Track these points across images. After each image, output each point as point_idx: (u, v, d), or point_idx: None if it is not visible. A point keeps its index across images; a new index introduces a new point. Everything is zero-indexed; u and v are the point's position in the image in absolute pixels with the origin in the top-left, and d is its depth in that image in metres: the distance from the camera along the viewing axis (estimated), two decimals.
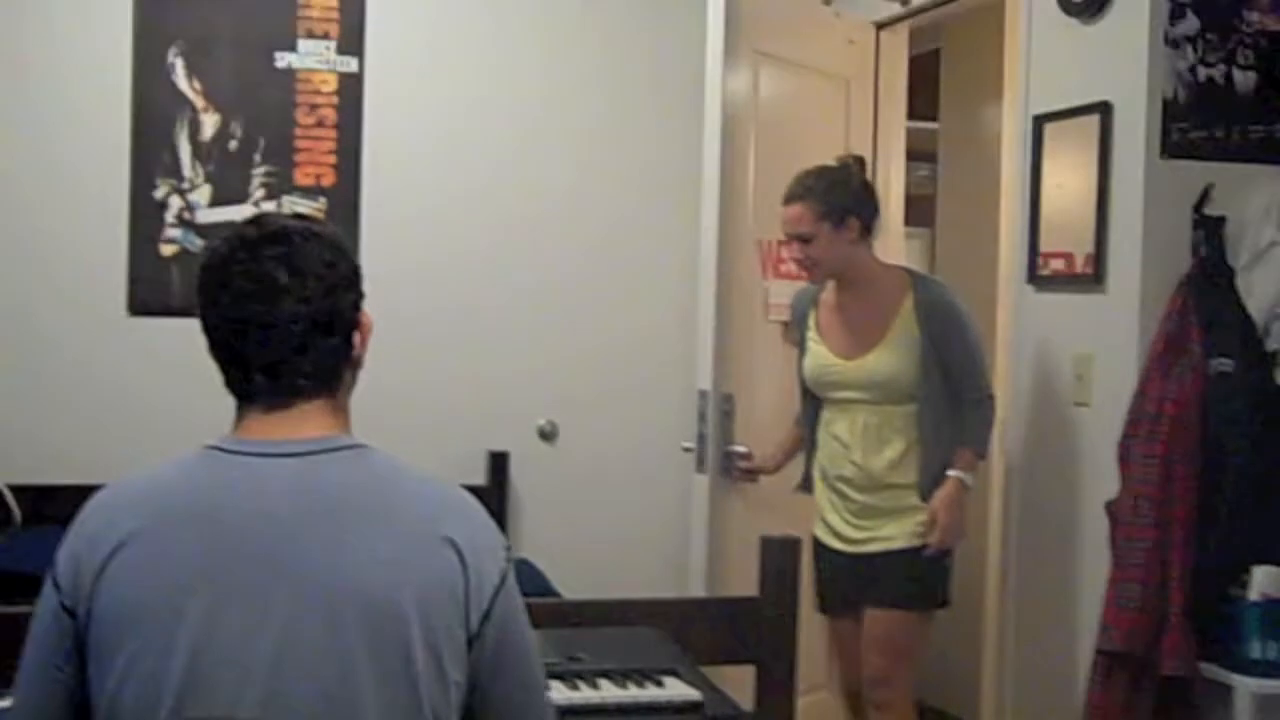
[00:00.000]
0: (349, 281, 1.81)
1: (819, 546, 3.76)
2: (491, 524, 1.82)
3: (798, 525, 3.38)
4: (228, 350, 1.77)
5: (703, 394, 3.99)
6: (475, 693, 1.76)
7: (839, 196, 3.72)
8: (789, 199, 3.73)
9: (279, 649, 1.64)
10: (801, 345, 3.87)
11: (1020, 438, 3.91)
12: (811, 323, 3.84)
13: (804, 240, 3.70)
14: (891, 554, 3.61)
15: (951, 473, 3.59)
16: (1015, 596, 3.92)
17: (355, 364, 1.85)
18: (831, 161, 3.98)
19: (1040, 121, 3.82)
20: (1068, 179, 3.70)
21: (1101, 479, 3.43)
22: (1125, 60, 3.52)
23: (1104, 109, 3.57)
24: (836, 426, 3.76)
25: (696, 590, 3.79)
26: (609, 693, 2.39)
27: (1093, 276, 3.59)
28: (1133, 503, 3.28)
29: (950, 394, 3.67)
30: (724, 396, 4.01)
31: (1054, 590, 3.72)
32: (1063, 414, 3.72)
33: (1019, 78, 3.99)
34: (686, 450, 4.10)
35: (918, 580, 3.59)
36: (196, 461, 1.76)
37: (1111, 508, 3.38)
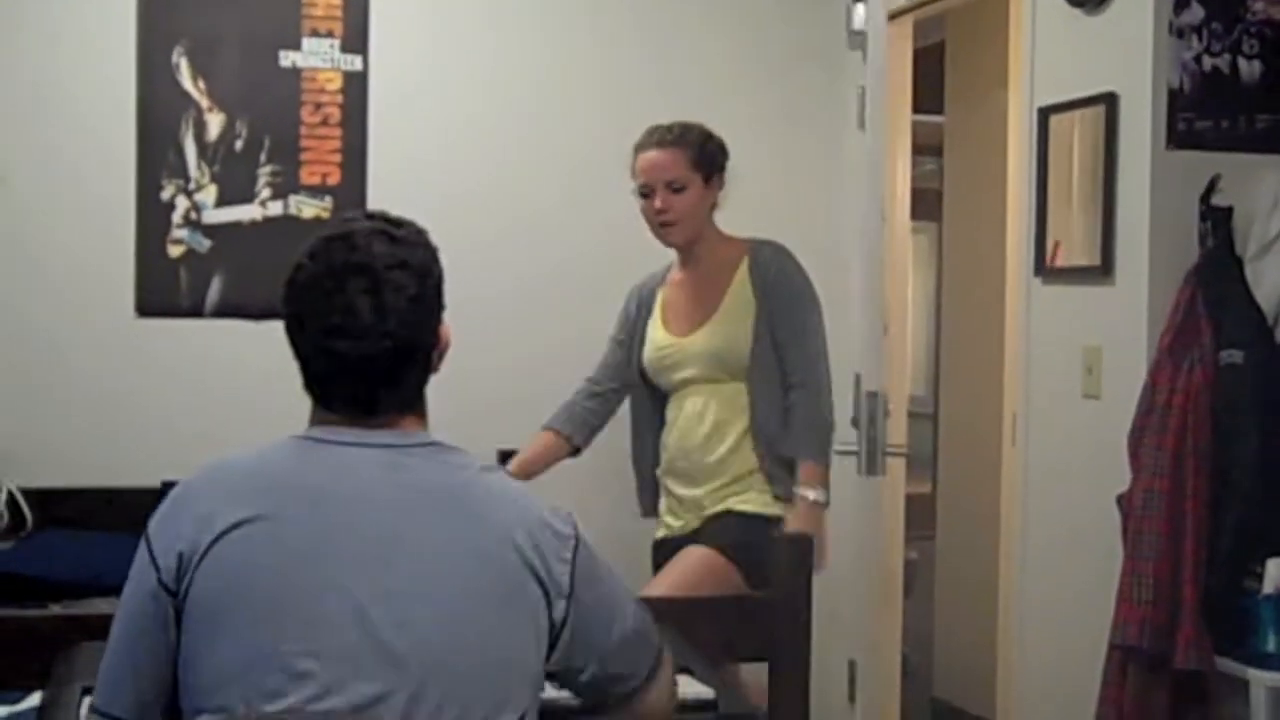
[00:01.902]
0: (432, 307, 1.90)
1: (660, 545, 3.65)
2: (553, 514, 1.90)
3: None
4: (311, 372, 1.87)
5: (871, 395, 3.84)
6: (582, 653, 1.88)
7: (713, 151, 3.58)
8: (659, 143, 3.54)
9: (386, 622, 1.72)
10: (641, 337, 3.71)
11: (1030, 431, 3.90)
12: (657, 309, 3.69)
13: (675, 190, 3.52)
14: (736, 513, 3.46)
15: (804, 492, 3.41)
16: (1028, 591, 3.91)
17: (437, 369, 1.96)
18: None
19: (1046, 113, 3.82)
20: (1074, 171, 3.70)
21: (1112, 472, 3.42)
22: (1130, 51, 3.52)
23: (1109, 100, 3.56)
24: (677, 414, 3.61)
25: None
26: None
27: (1100, 268, 3.58)
28: (1144, 495, 3.27)
29: (782, 374, 3.50)
30: (869, 395, 3.86)
31: (1067, 584, 3.72)
32: (1072, 407, 3.71)
33: (1024, 70, 3.99)
34: (844, 454, 3.96)
35: (752, 545, 3.34)
36: (293, 447, 1.86)
37: (1123, 500, 3.37)
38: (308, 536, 1.76)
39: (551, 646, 1.85)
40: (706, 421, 3.53)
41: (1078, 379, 3.69)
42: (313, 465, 1.83)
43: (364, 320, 1.81)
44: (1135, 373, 3.41)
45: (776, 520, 3.42)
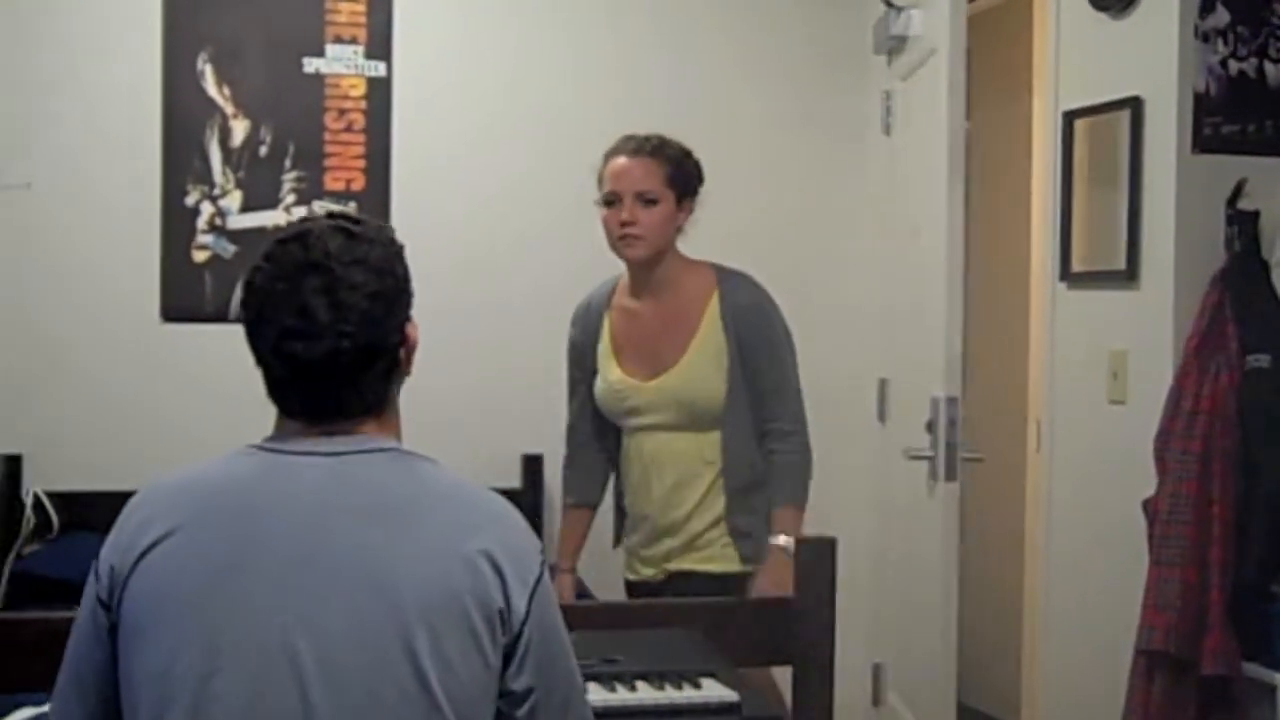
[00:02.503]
0: (394, 304, 1.80)
1: (632, 588, 3.44)
2: (525, 529, 1.82)
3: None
4: (269, 375, 1.79)
5: (951, 401, 3.84)
6: (515, 696, 1.76)
7: (690, 169, 3.32)
8: (635, 151, 3.26)
9: (303, 637, 1.65)
10: (591, 369, 3.41)
11: (1056, 436, 3.88)
12: (605, 336, 3.38)
13: (645, 202, 3.22)
14: (703, 575, 3.24)
15: (776, 541, 3.15)
16: (1054, 597, 3.90)
17: (402, 377, 1.86)
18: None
19: (1071, 117, 3.81)
20: (1100, 175, 3.68)
21: (1138, 477, 3.40)
22: (1156, 55, 3.50)
23: (1135, 104, 3.55)
24: (635, 459, 3.35)
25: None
26: (646, 694, 2.38)
27: (1126, 273, 3.56)
28: (1170, 500, 3.26)
29: (756, 421, 3.25)
30: (949, 400, 3.86)
31: (1093, 590, 3.70)
32: (1098, 412, 3.69)
33: (1049, 74, 3.98)
34: (917, 459, 3.96)
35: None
36: (237, 459, 1.79)
37: (1149, 506, 3.36)
38: (226, 551, 1.69)
39: (505, 665, 1.74)
40: (665, 480, 3.30)
41: (1103, 384, 3.67)
42: (252, 476, 1.76)
43: (320, 320, 1.73)
44: (1161, 377, 3.39)
45: (744, 577, 3.24)
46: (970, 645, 4.05)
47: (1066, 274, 3.82)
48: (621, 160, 3.27)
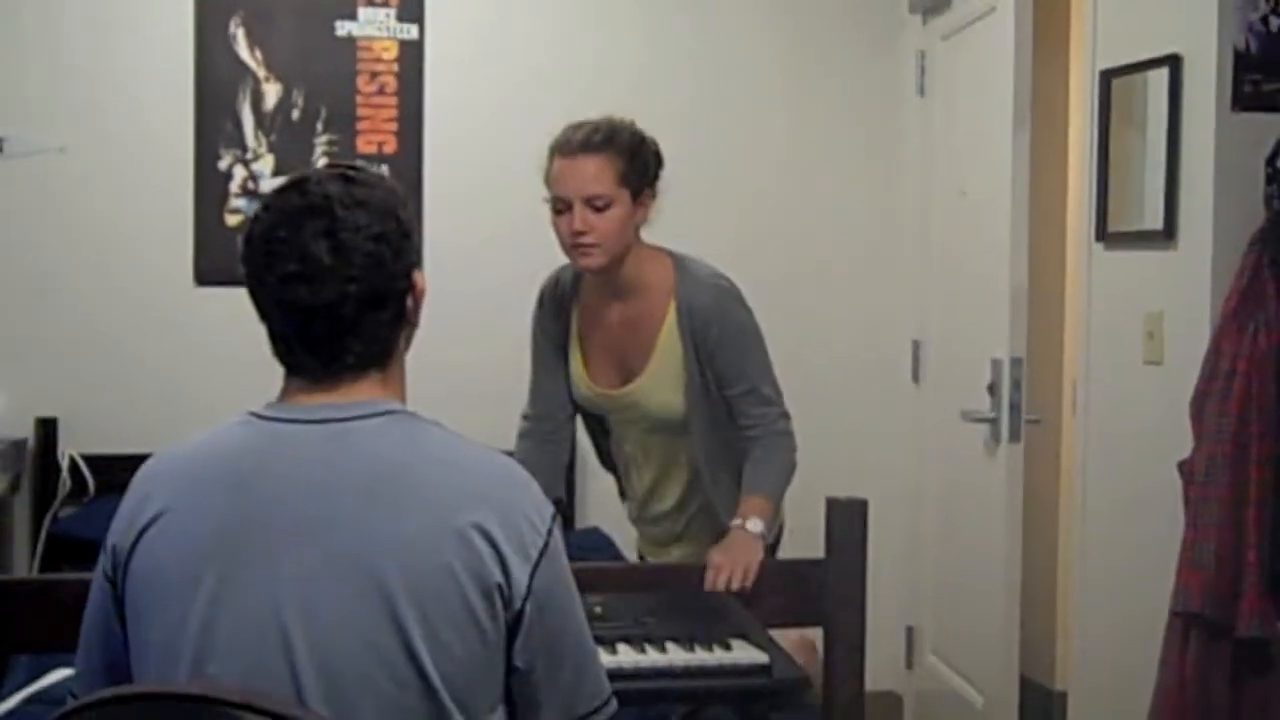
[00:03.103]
0: (399, 248, 1.74)
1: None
2: (529, 493, 1.76)
3: None
4: (272, 326, 1.75)
5: (1015, 362, 3.89)
6: (522, 671, 1.73)
7: (645, 160, 2.96)
8: (583, 147, 2.89)
9: (294, 614, 1.63)
10: (565, 355, 3.15)
11: (1092, 398, 3.86)
12: (574, 336, 3.12)
13: (596, 208, 2.88)
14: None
15: (746, 524, 2.84)
16: (1089, 558, 3.88)
17: (409, 329, 1.81)
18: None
19: (1108, 76, 3.76)
20: (1137, 134, 3.64)
21: (1175, 438, 3.37)
22: (1194, 12, 3.45)
23: (1173, 62, 3.50)
24: (619, 451, 3.21)
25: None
26: (676, 656, 2.39)
27: (1163, 233, 3.53)
28: (1206, 462, 3.23)
29: (728, 414, 3.01)
30: (1013, 361, 3.90)
31: (1128, 551, 3.68)
32: (1134, 373, 3.66)
33: (1086, 33, 3.93)
34: (979, 420, 3.96)
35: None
36: (234, 429, 1.75)
37: (1185, 467, 3.33)
38: (218, 530, 1.66)
39: (510, 639, 1.70)
40: (645, 476, 3.15)
41: (1140, 345, 3.64)
42: (245, 448, 1.72)
43: (323, 264, 1.67)
44: (1198, 338, 3.35)
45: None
46: (982, 603, 4.04)
47: (1103, 234, 3.78)
48: (568, 160, 2.91)
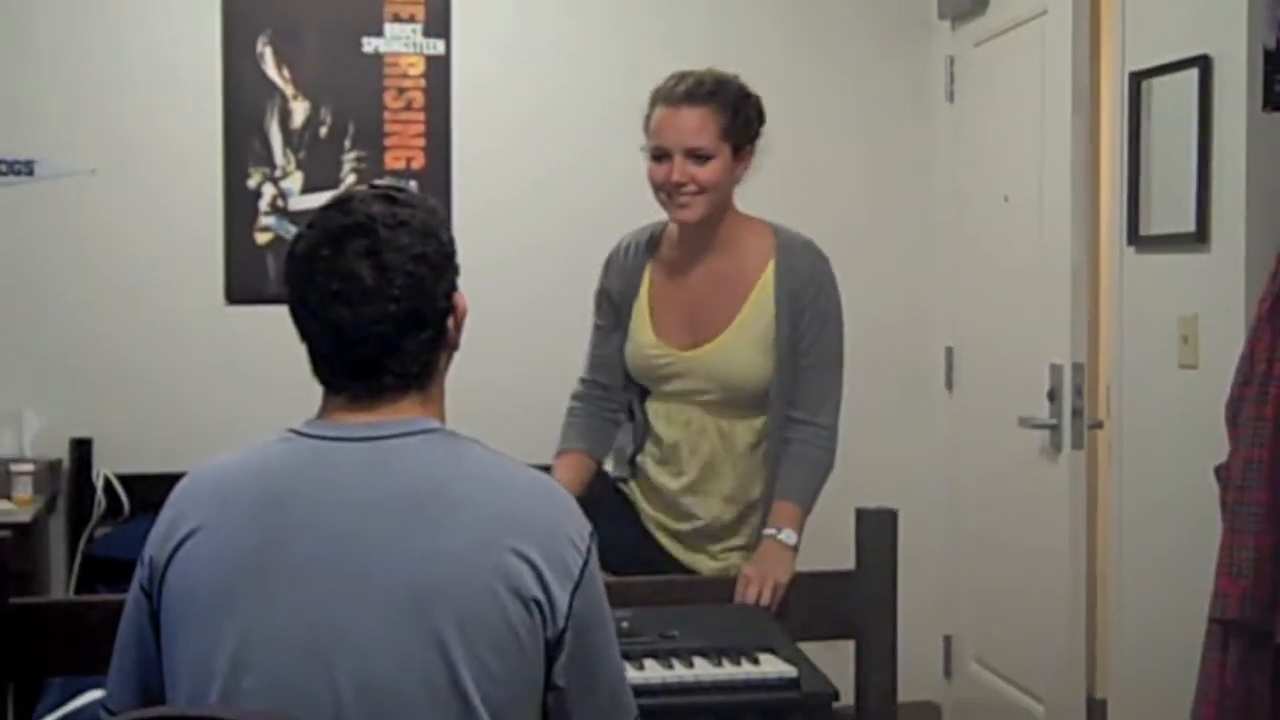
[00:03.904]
0: (440, 269, 1.75)
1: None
2: (569, 512, 1.76)
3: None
4: (313, 345, 1.75)
5: (1077, 367, 3.89)
6: (560, 689, 1.72)
7: (749, 114, 2.93)
8: (688, 97, 2.86)
9: (332, 632, 1.62)
10: (624, 321, 3.05)
11: (1125, 402, 3.82)
12: (644, 291, 3.03)
13: (700, 158, 2.85)
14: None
15: (781, 534, 2.77)
16: (1125, 563, 3.83)
17: (450, 350, 1.82)
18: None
19: (1138, 78, 3.73)
20: (1167, 136, 3.61)
21: (1210, 442, 3.33)
22: (1224, 12, 3.42)
23: (1203, 63, 3.46)
24: (664, 428, 3.01)
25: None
26: (703, 670, 2.36)
27: (1196, 235, 3.49)
28: (1243, 466, 3.18)
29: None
30: (1075, 366, 3.90)
31: (1165, 557, 3.64)
32: (1169, 377, 3.62)
33: (1115, 34, 3.90)
34: (1039, 427, 3.93)
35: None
36: (273, 446, 1.75)
37: (1221, 471, 3.29)
38: (250, 548, 1.66)
39: (549, 659, 1.69)
40: (695, 459, 2.99)
41: (1174, 349, 3.60)
42: (285, 464, 1.72)
43: (365, 284, 1.68)
44: (1233, 341, 3.31)
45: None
46: (1041, 612, 3.99)
47: (1135, 238, 3.75)
48: (672, 110, 2.87)
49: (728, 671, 2.37)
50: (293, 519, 1.67)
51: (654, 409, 3.05)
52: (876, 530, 2.63)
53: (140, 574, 1.75)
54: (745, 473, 2.98)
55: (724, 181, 2.88)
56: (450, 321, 1.78)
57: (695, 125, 2.84)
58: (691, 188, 2.85)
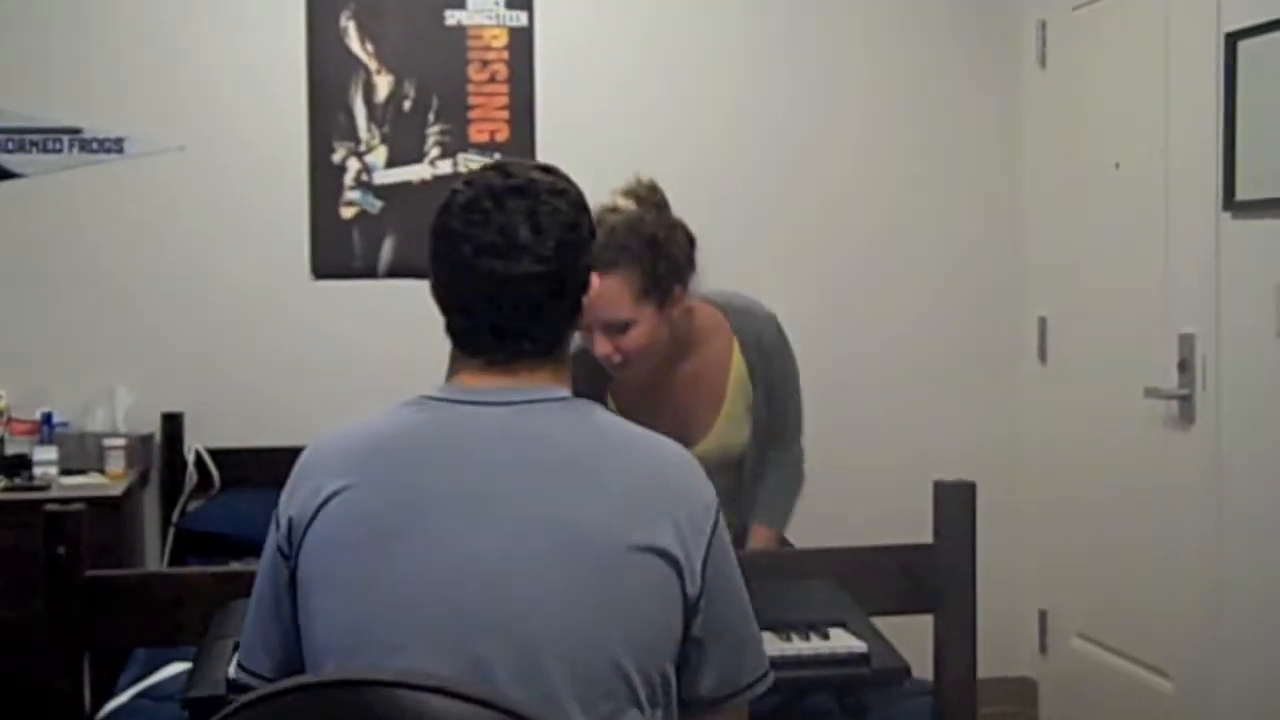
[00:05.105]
0: (585, 244, 1.82)
1: None
2: (700, 478, 1.81)
3: None
4: (458, 300, 1.79)
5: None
6: (695, 640, 1.76)
7: (667, 259, 2.68)
8: (596, 263, 2.48)
9: (480, 589, 1.64)
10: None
11: (1221, 373, 3.72)
12: (611, 406, 2.85)
13: (619, 330, 2.65)
14: None
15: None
16: (1225, 539, 3.74)
17: (575, 328, 1.87)
18: (620, 200, 2.76)
19: (1233, 39, 3.62)
20: (1264, 99, 3.50)
21: None
22: None
23: None
24: None
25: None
26: (773, 646, 2.32)
27: None
28: None
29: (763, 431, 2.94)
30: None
31: (1269, 529, 3.54)
32: (1264, 346, 3.53)
33: None
34: (1169, 398, 3.86)
35: None
36: (407, 410, 1.78)
37: None
38: (396, 506, 1.69)
39: (687, 625, 1.74)
40: None
41: (1271, 317, 3.50)
42: (419, 429, 1.75)
43: (520, 240, 1.74)
44: None
45: None
46: (1167, 586, 3.91)
47: (1230, 203, 3.65)
48: None
49: (796, 646, 2.34)
50: (433, 480, 1.70)
51: None
52: (954, 503, 2.58)
53: (275, 537, 1.77)
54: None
55: (655, 337, 2.70)
56: (585, 298, 1.84)
57: (607, 297, 2.55)
58: (621, 357, 2.69)
